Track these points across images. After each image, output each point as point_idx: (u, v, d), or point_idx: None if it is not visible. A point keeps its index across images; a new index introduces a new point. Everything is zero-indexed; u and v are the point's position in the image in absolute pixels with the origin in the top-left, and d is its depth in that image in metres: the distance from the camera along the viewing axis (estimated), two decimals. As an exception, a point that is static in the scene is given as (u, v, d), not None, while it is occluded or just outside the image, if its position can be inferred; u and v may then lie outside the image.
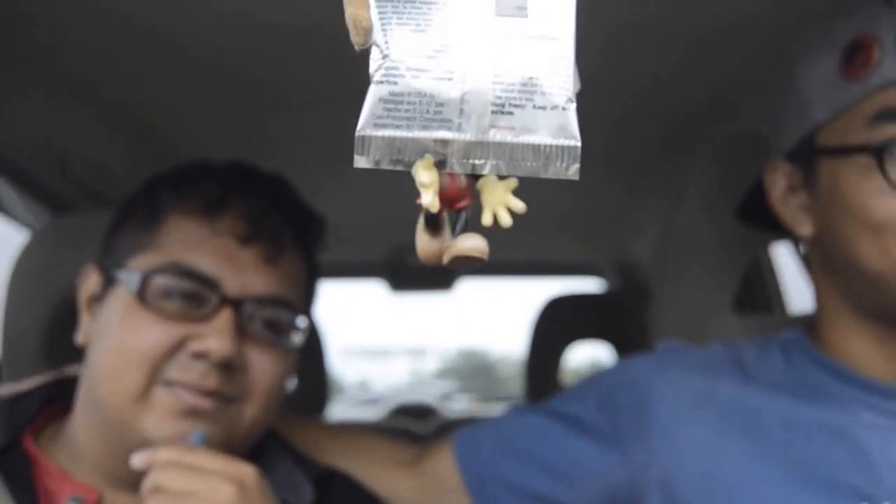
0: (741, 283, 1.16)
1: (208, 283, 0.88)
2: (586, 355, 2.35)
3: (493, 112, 0.42)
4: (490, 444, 1.03)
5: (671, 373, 0.98)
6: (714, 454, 0.91)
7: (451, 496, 1.02)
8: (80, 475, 0.89)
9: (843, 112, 0.87)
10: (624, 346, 2.09)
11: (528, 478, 0.99)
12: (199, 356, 0.86)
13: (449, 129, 0.42)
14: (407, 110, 0.41)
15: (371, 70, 0.41)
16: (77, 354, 0.95)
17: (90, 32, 1.09)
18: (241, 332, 0.89)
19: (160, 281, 0.88)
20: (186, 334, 0.87)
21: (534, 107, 0.42)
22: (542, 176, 0.42)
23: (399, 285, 2.65)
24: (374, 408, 3.53)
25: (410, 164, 0.42)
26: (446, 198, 0.43)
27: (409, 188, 0.43)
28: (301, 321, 0.94)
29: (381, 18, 0.42)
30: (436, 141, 0.42)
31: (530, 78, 0.42)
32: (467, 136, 0.42)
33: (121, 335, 0.88)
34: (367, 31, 0.42)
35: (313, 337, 1.99)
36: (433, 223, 0.44)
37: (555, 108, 0.42)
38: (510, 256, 2.44)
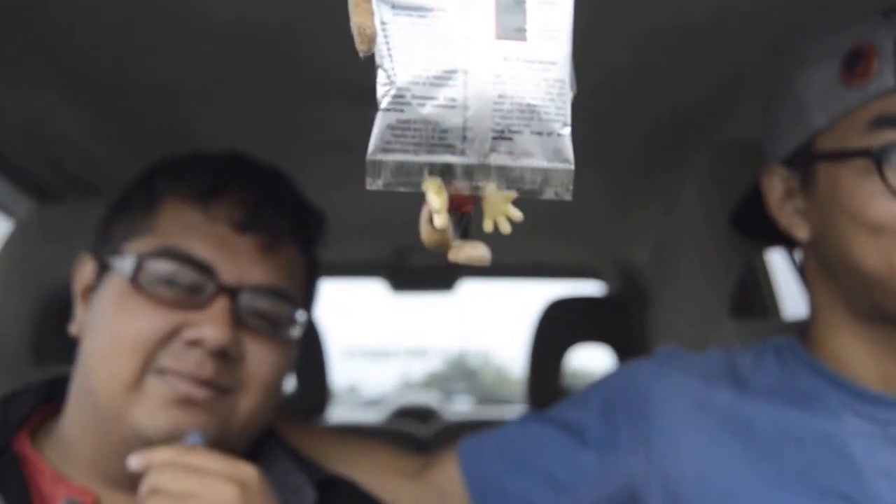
0: (737, 288, 1.17)
1: (203, 268, 0.87)
2: (586, 357, 2.36)
3: (493, 138, 0.44)
4: (493, 454, 1.03)
5: (671, 378, 0.99)
6: (710, 459, 0.93)
7: None
8: (76, 476, 0.87)
9: (843, 118, 0.88)
10: (624, 349, 2.09)
11: (531, 489, 1.00)
12: (194, 344, 0.84)
13: (453, 153, 0.44)
14: (413, 136, 0.43)
15: (378, 95, 0.43)
16: (66, 347, 0.92)
17: (76, 19, 1.06)
18: (238, 321, 0.87)
19: (154, 265, 0.87)
20: (181, 322, 0.85)
21: (531, 132, 0.44)
22: (540, 197, 0.45)
23: (400, 285, 2.65)
24: (375, 409, 3.53)
25: (419, 185, 0.44)
26: (451, 203, 0.45)
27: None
28: (300, 315, 0.92)
29: (386, 40, 0.43)
30: (441, 165, 0.44)
31: (528, 104, 0.44)
32: (470, 160, 0.44)
33: (114, 321, 0.86)
34: (371, 39, 0.43)
35: (313, 337, 1.98)
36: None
37: (551, 133, 0.44)
38: (512, 259, 2.44)
